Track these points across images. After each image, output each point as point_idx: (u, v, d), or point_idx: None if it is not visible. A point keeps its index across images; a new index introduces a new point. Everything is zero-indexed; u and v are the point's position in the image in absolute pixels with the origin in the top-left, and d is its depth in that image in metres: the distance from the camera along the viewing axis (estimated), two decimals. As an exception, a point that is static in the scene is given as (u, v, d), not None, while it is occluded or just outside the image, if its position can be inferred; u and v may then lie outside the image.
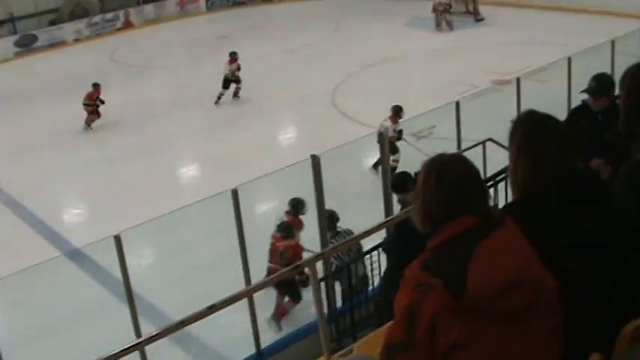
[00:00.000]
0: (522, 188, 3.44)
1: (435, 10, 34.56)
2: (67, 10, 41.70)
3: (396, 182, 10.26)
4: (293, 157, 13.33)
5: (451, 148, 13.66)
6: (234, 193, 10.24)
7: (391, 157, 15.22)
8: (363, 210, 12.74)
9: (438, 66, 27.92)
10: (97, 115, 25.39)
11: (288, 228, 12.72)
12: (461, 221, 3.13)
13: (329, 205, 11.35)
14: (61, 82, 31.19)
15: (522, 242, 3.13)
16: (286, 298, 12.74)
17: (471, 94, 19.08)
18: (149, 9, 43.26)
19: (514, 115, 11.19)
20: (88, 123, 25.17)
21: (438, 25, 34.40)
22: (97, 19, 41.55)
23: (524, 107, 15.46)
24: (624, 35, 19.71)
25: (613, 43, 18.24)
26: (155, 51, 36.38)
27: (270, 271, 12.26)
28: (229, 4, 45.13)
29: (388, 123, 17.77)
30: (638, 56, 19.09)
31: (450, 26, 34.22)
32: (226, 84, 26.21)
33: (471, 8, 35.94)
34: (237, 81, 26.37)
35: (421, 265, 3.08)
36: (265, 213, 16.46)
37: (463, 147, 14.00)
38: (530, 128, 3.46)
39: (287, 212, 13.25)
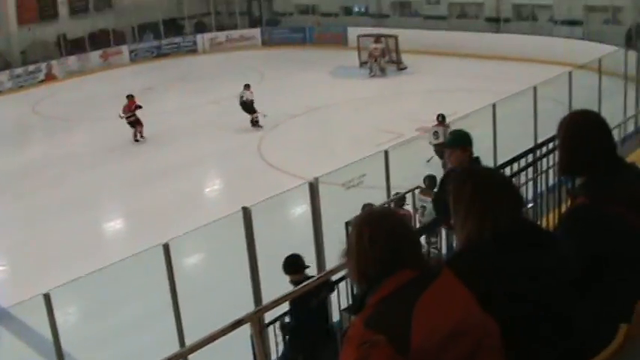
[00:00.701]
0: (468, 240, 3.48)
1: (371, 56, 35.13)
2: (-13, 62, 41.19)
3: (287, 263, 10.13)
4: (222, 210, 13.26)
5: (381, 197, 13.77)
6: (166, 248, 10.14)
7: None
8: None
9: (362, 114, 28.14)
10: (140, 124, 27.30)
11: None
12: (398, 276, 3.10)
13: (263, 255, 11.30)
14: (-20, 135, 30.69)
15: (462, 291, 3.13)
16: None
17: (399, 142, 19.21)
18: (73, 61, 42.92)
19: (439, 163, 11.35)
20: (138, 136, 27.19)
21: (372, 72, 34.86)
22: (19, 70, 41.08)
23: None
24: (545, 81, 20.13)
25: (535, 89, 18.63)
26: (79, 103, 36.01)
27: None
28: (153, 56, 45.05)
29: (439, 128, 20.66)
30: (560, 101, 19.57)
31: (384, 72, 34.70)
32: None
33: (393, 57, 36.43)
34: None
35: (363, 322, 3.04)
36: (197, 266, 16.33)
37: (392, 195, 14.10)
38: (477, 185, 3.51)
39: None
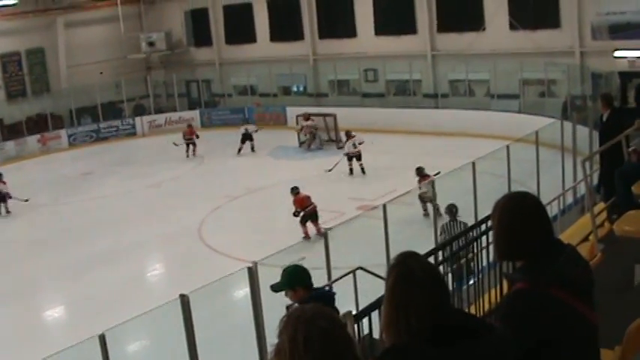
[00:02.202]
0: (397, 335, 3.41)
1: (304, 130, 35.56)
2: None
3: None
4: (163, 296, 13.06)
5: (322, 278, 13.66)
6: (102, 339, 9.91)
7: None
8: (236, 346, 12.53)
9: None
10: (194, 145, 37.38)
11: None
12: None
13: (203, 341, 11.10)
14: None
15: None
16: None
17: (340, 222, 19.19)
18: (10, 146, 42.40)
19: (382, 241, 11.19)
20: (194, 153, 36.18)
21: (309, 146, 35.14)
22: (-47, 156, 40.50)
23: (392, 232, 15.72)
24: (484, 156, 20.34)
25: (474, 164, 18.79)
26: (16, 189, 35.52)
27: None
28: (92, 140, 44.78)
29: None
30: (499, 175, 19.76)
31: (321, 145, 35.01)
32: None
33: (333, 136, 36.66)
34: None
35: None
36: (136, 356, 16.00)
37: (334, 276, 14.00)
38: (399, 276, 3.46)
39: None
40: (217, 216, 27.03)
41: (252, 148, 36.49)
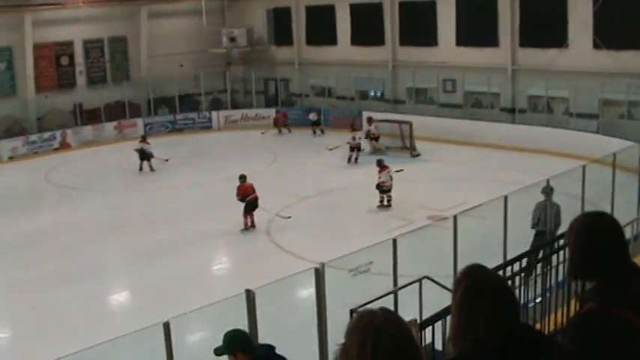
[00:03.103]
0: (462, 344, 3.42)
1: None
2: (4, 126, 41.59)
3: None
4: (227, 290, 13.16)
5: (388, 285, 13.65)
6: (166, 327, 10.03)
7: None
8: (297, 345, 12.54)
9: (374, 200, 28.09)
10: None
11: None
12: None
13: (265, 339, 11.16)
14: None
15: None
16: None
17: (408, 231, 19.14)
18: (87, 130, 43.27)
19: (450, 252, 11.15)
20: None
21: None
22: (34, 137, 41.45)
23: (461, 244, 15.63)
24: (559, 174, 20.09)
25: (548, 181, 18.58)
26: (90, 173, 36.17)
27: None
28: (168, 130, 45.33)
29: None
30: (572, 195, 19.49)
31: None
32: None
33: (407, 144, 36.55)
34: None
35: None
36: (198, 347, 16.14)
37: (400, 283, 13.98)
38: (469, 287, 3.46)
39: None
40: (287, 214, 27.09)
41: (356, 160, 35.18)
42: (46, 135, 41.81)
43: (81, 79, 45.54)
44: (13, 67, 42.70)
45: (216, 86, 49.26)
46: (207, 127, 45.94)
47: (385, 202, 27.43)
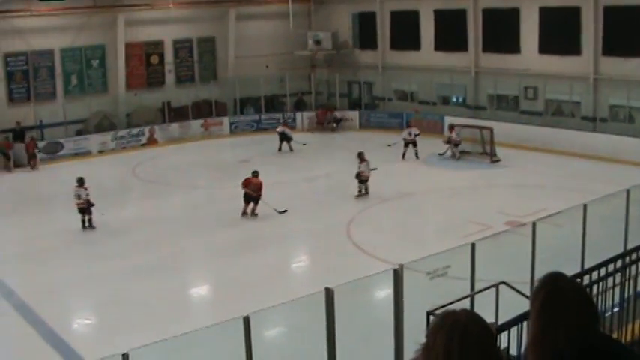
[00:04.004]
0: (541, 353, 3.38)
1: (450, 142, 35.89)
2: (95, 121, 42.41)
3: None
4: (305, 288, 13.23)
5: (464, 289, 13.58)
6: (246, 321, 10.12)
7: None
8: (374, 344, 12.58)
9: (452, 204, 27.95)
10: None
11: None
12: None
13: (342, 336, 11.20)
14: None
15: None
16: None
17: (486, 236, 18.99)
18: (174, 127, 43.93)
19: (527, 259, 11.04)
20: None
21: (454, 156, 35.44)
22: (123, 133, 42.23)
23: (538, 251, 15.46)
24: (639, 185, 19.73)
25: (628, 192, 18.27)
26: (177, 170, 36.62)
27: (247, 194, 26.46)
28: (253, 130, 45.71)
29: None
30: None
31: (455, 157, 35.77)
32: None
33: (487, 150, 36.28)
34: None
35: None
36: (276, 341, 16.26)
37: (477, 288, 13.90)
38: (549, 295, 3.42)
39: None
40: (367, 216, 27.11)
41: (417, 155, 36.36)
42: (135, 131, 42.53)
43: (169, 78, 46.19)
44: (105, 65, 43.47)
45: (300, 88, 49.55)
46: (291, 127, 46.06)
47: (363, 191, 29.41)
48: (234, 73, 47.55)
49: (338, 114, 46.10)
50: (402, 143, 36.68)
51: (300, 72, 49.17)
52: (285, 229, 25.89)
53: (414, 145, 36.37)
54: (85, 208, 26.32)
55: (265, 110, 47.14)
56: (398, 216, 27.47)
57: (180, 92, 45.77)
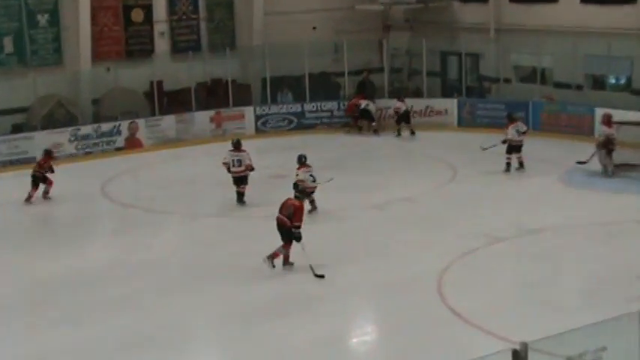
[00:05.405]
0: None
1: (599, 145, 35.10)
2: (42, 111, 42.56)
3: None
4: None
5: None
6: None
7: None
8: None
9: (607, 249, 27.59)
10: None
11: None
12: None
13: None
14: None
15: None
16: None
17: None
18: (168, 123, 44.50)
19: None
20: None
21: (605, 172, 34.73)
22: (87, 129, 42.59)
23: None
24: None
25: None
26: (171, 188, 36.56)
27: (277, 220, 26.39)
28: (291, 128, 46.08)
29: None
30: None
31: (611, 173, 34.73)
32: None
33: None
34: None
35: None
36: None
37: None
38: None
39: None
40: (469, 264, 26.88)
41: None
42: (105, 127, 42.71)
43: (162, 45, 46.44)
44: (59, 23, 43.65)
45: (366, 63, 49.49)
46: (346, 123, 45.89)
47: (311, 208, 31.67)
48: (262, 38, 47.56)
49: (369, 104, 46.11)
50: (504, 146, 36.64)
51: (367, 37, 49.27)
52: (343, 282, 25.71)
53: (518, 149, 36.43)
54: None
55: (310, 97, 47.19)
56: (518, 265, 27.35)
57: (177, 68, 45.99)
